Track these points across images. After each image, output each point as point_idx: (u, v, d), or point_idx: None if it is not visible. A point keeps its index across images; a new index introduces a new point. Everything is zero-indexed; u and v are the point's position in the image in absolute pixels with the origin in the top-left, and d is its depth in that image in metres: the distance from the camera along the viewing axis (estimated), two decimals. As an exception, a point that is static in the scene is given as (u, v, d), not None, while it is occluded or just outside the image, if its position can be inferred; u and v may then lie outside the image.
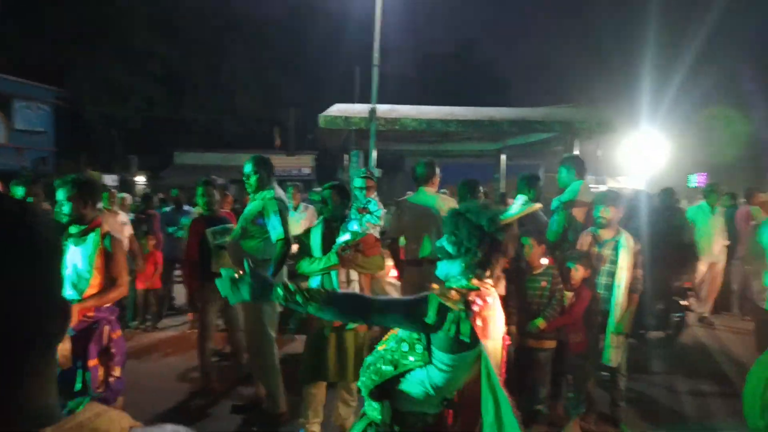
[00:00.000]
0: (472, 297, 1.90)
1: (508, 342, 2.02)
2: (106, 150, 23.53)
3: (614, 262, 3.90)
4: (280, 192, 4.21)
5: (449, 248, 2.02)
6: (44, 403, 0.68)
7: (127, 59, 24.10)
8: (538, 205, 2.17)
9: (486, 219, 2.00)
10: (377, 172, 13.90)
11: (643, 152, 19.23)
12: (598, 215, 3.99)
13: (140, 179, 22.92)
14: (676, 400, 4.68)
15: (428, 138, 16.35)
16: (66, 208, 3.29)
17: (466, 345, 1.85)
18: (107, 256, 3.34)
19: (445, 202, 4.50)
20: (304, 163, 25.06)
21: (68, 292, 3.34)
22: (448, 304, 1.86)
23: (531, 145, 16.82)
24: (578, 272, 3.89)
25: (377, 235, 3.90)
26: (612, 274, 3.90)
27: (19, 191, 4.73)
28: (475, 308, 1.88)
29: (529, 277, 3.88)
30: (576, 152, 13.47)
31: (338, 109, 12.94)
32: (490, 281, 2.01)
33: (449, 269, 2.04)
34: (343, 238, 3.67)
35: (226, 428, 4.10)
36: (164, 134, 25.65)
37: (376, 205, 4.15)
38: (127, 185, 18.18)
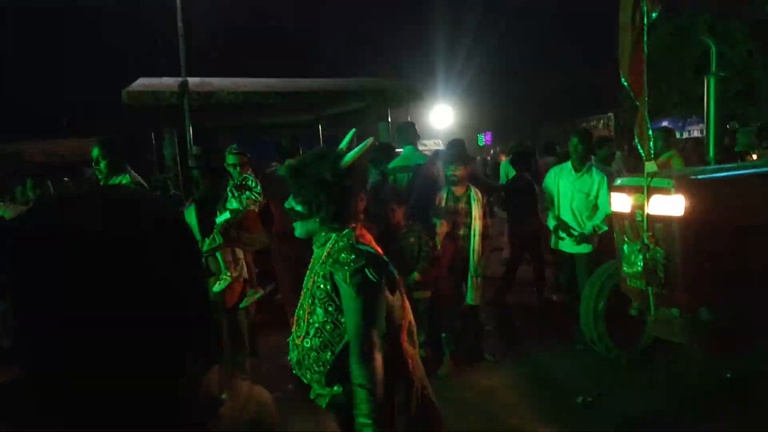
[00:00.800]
0: (357, 236, 1.96)
1: None
2: None
3: (469, 214, 4.42)
4: (136, 176, 3.94)
5: (300, 209, 1.96)
6: (208, 394, 0.69)
7: None
8: (370, 140, 2.15)
9: (327, 170, 1.93)
10: (195, 150, 13.27)
11: (439, 117, 21.51)
12: (450, 174, 4.46)
13: None
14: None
15: (243, 112, 15.96)
16: None
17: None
18: None
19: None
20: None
21: None
22: (349, 266, 1.86)
23: (346, 114, 17.44)
24: (442, 227, 4.33)
25: (257, 210, 3.90)
26: (468, 226, 4.42)
27: None
28: (367, 245, 1.97)
29: (398, 236, 4.20)
30: (389, 119, 14.37)
31: (144, 84, 11.96)
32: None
33: (307, 228, 2.00)
34: (224, 217, 3.63)
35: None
36: None
37: (254, 182, 4.09)
38: None
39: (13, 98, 23.05)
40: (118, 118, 17.31)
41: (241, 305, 3.54)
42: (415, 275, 4.17)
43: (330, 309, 1.92)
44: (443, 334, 4.49)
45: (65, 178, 11.80)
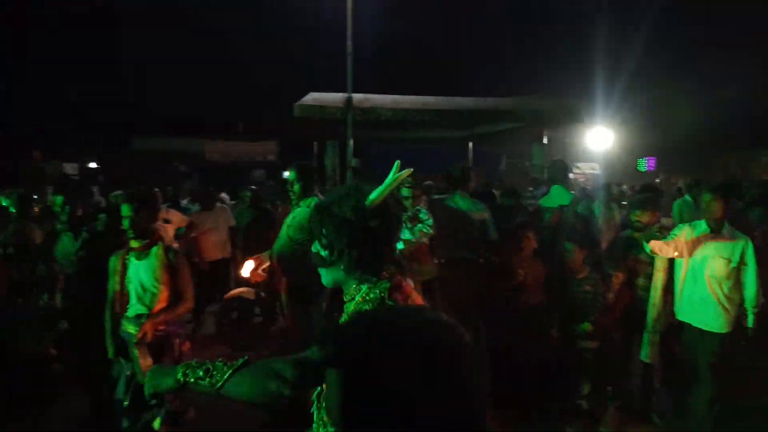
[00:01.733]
0: (393, 287, 1.68)
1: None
2: (59, 136, 22.30)
3: (651, 264, 4.14)
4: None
5: (323, 253, 1.76)
6: None
7: (74, 34, 22.85)
8: (406, 172, 1.80)
9: (349, 208, 1.70)
10: (354, 162, 13.92)
11: (597, 140, 20.30)
12: (635, 219, 4.21)
13: (93, 165, 21.99)
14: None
15: (398, 125, 16.48)
16: (134, 222, 3.26)
17: None
18: (171, 271, 3.34)
19: (475, 206, 4.65)
20: (267, 150, 24.67)
21: (134, 308, 3.32)
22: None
23: (498, 133, 17.23)
24: (617, 278, 4.12)
25: (428, 243, 4.01)
26: (649, 276, 4.15)
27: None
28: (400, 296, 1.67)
29: (573, 280, 4.08)
30: (545, 141, 13.93)
31: (313, 99, 12.85)
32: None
33: (333, 276, 1.76)
34: (398, 246, 3.76)
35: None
36: (122, 118, 24.53)
37: (426, 214, 4.24)
38: (87, 174, 17.41)
39: (197, 101, 26.01)
40: (285, 126, 18.83)
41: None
42: (587, 326, 4.01)
43: None
44: (609, 388, 4.27)
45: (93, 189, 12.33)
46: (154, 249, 3.30)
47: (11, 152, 17.93)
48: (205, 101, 26.11)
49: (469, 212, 4.57)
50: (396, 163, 1.90)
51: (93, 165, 21.92)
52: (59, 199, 4.41)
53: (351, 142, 12.63)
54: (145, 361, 3.10)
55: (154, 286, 3.26)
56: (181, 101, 25.81)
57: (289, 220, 4.24)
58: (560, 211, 4.93)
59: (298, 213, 4.17)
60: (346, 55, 12.91)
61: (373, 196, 1.73)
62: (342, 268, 1.72)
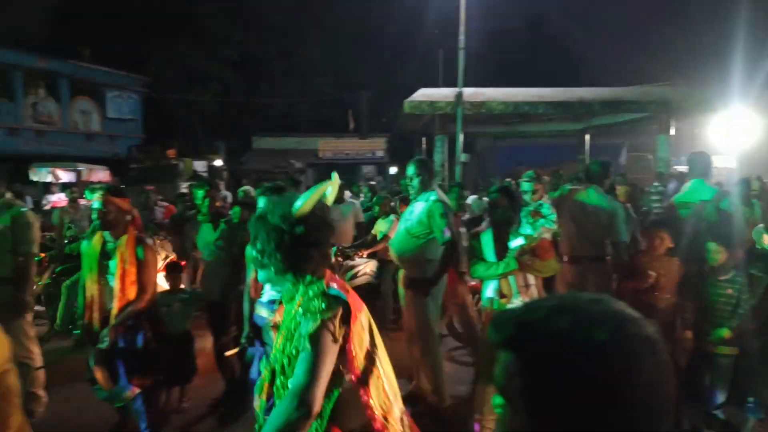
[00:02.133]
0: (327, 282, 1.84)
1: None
2: (190, 136, 24.41)
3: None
4: (442, 194, 4.27)
5: (256, 255, 1.89)
6: None
7: (204, 46, 24.78)
8: (331, 182, 1.96)
9: (278, 216, 1.84)
10: (464, 157, 13.79)
11: (734, 130, 18.32)
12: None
13: (218, 163, 23.69)
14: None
15: (506, 119, 16.10)
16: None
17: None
18: None
19: (607, 202, 4.45)
20: (377, 146, 25.20)
21: (269, 294, 3.52)
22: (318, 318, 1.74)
23: (619, 124, 16.26)
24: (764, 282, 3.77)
25: (550, 238, 3.90)
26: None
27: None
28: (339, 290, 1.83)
29: (712, 282, 3.79)
30: (672, 132, 12.91)
31: (423, 94, 12.92)
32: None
33: (266, 276, 1.92)
34: (517, 242, 3.70)
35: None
36: (242, 119, 26.35)
37: (548, 209, 4.15)
38: (214, 171, 18.83)
39: (312, 99, 27.10)
40: (395, 122, 19.17)
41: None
42: (725, 331, 3.71)
43: None
44: (750, 398, 3.91)
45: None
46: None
47: (153, 152, 19.89)
48: (317, 100, 27.20)
49: (599, 208, 4.39)
50: (333, 174, 2.07)
51: (218, 162, 23.67)
52: (200, 192, 4.79)
53: (461, 136, 12.59)
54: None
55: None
56: (295, 101, 27.09)
57: (407, 214, 4.32)
58: (701, 207, 4.58)
59: (416, 208, 4.24)
60: (458, 50, 12.86)
61: (297, 205, 1.85)
62: (273, 270, 1.85)
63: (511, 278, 3.67)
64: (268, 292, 3.54)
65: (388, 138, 24.79)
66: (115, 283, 3.42)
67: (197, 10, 24.67)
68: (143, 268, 3.46)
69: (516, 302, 3.60)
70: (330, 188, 2.00)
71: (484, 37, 25.08)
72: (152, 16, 24.08)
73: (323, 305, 1.78)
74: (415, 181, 4.23)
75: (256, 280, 3.57)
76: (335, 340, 1.76)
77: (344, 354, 1.81)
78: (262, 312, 3.52)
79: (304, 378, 1.71)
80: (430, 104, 13.02)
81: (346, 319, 1.80)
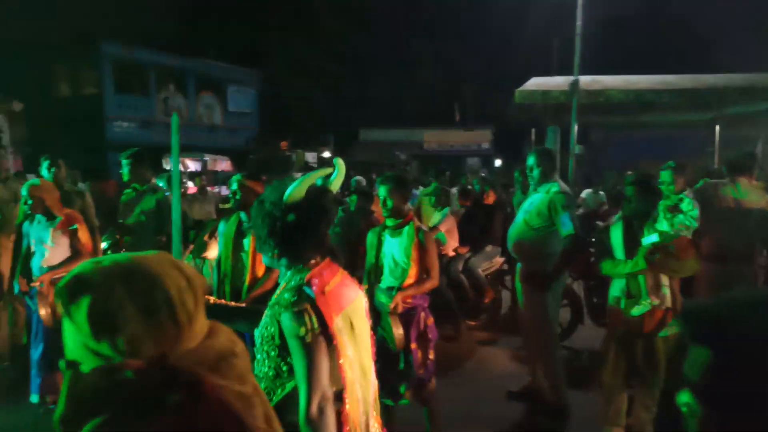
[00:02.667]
0: (312, 275, 1.78)
1: None
2: (301, 128, 25.49)
3: None
4: (564, 185, 4.10)
5: (258, 240, 1.90)
6: None
7: (317, 41, 25.71)
8: (323, 171, 1.93)
9: (271, 203, 1.82)
10: (578, 149, 13.18)
11: None
12: None
13: (327, 155, 24.54)
14: None
15: (625, 109, 15.13)
16: (389, 203, 3.52)
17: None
18: (421, 249, 3.52)
19: (759, 197, 4.05)
20: (482, 138, 24.83)
21: (387, 280, 3.59)
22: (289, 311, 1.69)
23: (753, 114, 14.75)
24: None
25: (690, 236, 3.62)
26: None
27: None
28: (313, 289, 1.74)
29: None
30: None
31: (535, 84, 12.48)
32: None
33: (267, 262, 1.92)
34: (650, 239, 3.45)
35: (503, 412, 4.19)
36: (350, 112, 27.08)
37: (690, 204, 3.85)
38: (323, 162, 19.55)
39: (416, 91, 27.21)
40: (501, 113, 18.75)
41: (660, 333, 3.36)
42: None
43: (272, 354, 1.77)
44: None
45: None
46: (406, 228, 3.55)
47: (268, 144, 21.03)
48: (423, 93, 27.25)
49: (750, 202, 4.00)
50: (336, 160, 2.03)
51: (327, 154, 24.50)
52: (318, 180, 5.00)
53: (575, 127, 12.06)
54: (397, 330, 3.38)
55: (405, 262, 3.52)
56: (402, 94, 27.33)
57: (526, 205, 4.21)
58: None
59: (536, 199, 4.11)
60: (575, 36, 12.32)
61: (288, 192, 1.82)
62: (269, 255, 1.86)
63: (640, 277, 3.45)
64: (387, 279, 3.61)
65: (494, 130, 24.32)
66: (248, 260, 3.66)
67: (312, 7, 25.61)
68: None
69: (645, 304, 3.39)
70: (335, 174, 2.00)
71: (603, 21, 23.72)
72: (271, 14, 25.34)
73: (294, 298, 1.74)
74: (536, 172, 4.10)
75: (375, 266, 3.66)
76: (317, 342, 1.71)
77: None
78: (381, 298, 3.59)
79: (304, 383, 1.70)
80: (542, 93, 12.57)
81: (320, 320, 1.74)
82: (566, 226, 3.85)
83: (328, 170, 2.02)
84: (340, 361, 1.77)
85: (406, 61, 27.70)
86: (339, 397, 1.79)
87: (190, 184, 13.22)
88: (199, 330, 0.84)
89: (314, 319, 1.72)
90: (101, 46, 19.54)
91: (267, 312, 1.84)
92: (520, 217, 4.21)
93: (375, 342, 3.54)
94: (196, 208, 7.72)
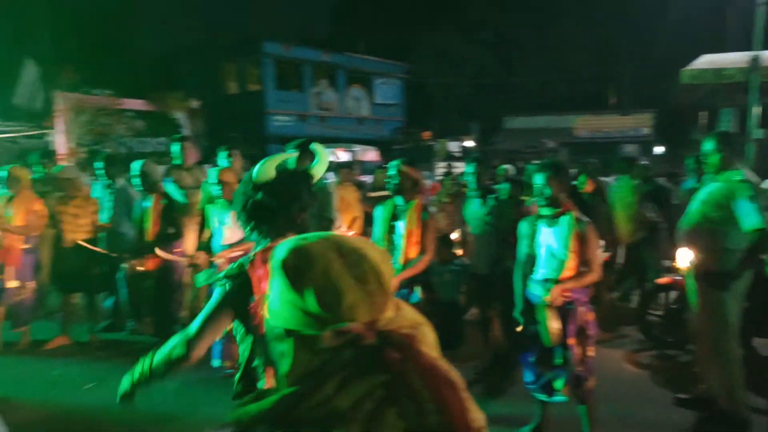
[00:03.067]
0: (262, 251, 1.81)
1: None
2: (444, 118, 25.60)
3: None
4: (750, 174, 3.64)
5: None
6: None
7: (461, 30, 25.53)
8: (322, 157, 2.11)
9: (244, 182, 1.97)
10: (761, 133, 11.66)
11: None
12: None
13: (469, 144, 24.29)
14: None
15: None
16: (547, 192, 3.39)
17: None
18: (581, 240, 3.36)
19: None
20: (641, 123, 22.91)
21: (542, 272, 3.47)
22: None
23: None
24: None
25: None
26: None
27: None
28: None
29: None
30: None
31: (707, 61, 11.19)
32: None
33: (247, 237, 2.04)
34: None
35: (669, 417, 3.88)
36: (494, 99, 26.57)
37: None
38: (466, 152, 19.42)
39: (568, 75, 25.82)
40: (666, 95, 17.13)
41: None
42: None
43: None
44: None
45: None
46: (565, 217, 3.41)
47: (413, 134, 21.44)
48: (572, 76, 25.80)
49: None
50: (313, 146, 2.36)
51: (470, 143, 24.28)
52: (470, 167, 4.96)
53: (755, 109, 10.65)
54: (554, 324, 3.27)
55: (563, 254, 3.38)
56: (549, 79, 26.13)
57: (702, 195, 3.82)
58: None
59: (715, 188, 3.71)
60: (754, 6, 10.86)
61: (255, 171, 1.93)
62: (245, 230, 1.98)
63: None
64: (541, 270, 3.50)
65: (655, 114, 22.29)
66: (401, 242, 3.87)
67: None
68: (426, 232, 3.85)
69: None
70: (316, 160, 2.12)
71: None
72: (416, 6, 25.66)
73: (233, 268, 1.85)
74: (715, 158, 3.70)
75: (529, 256, 3.57)
76: (228, 298, 1.81)
77: (249, 315, 1.78)
78: (535, 289, 3.49)
79: (194, 324, 1.83)
80: (715, 72, 11.26)
81: (246, 287, 1.78)
82: (751, 219, 3.43)
83: (292, 154, 2.10)
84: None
85: (552, 44, 26.39)
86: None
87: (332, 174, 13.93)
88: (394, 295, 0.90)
89: (234, 283, 1.82)
90: (264, 46, 21.24)
91: None
92: (695, 207, 3.83)
93: (529, 335, 3.48)
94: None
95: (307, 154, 4.84)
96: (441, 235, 5.15)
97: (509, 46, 26.64)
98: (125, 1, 26.56)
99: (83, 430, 3.86)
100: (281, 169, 2.00)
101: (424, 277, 3.97)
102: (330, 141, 18.67)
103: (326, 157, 2.22)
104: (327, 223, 4.72)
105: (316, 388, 0.73)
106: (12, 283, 5.09)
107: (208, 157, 7.89)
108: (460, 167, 13.65)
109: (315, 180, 2.08)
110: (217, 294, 1.85)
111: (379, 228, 4.09)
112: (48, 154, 7.62)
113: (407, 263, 3.88)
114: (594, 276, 3.41)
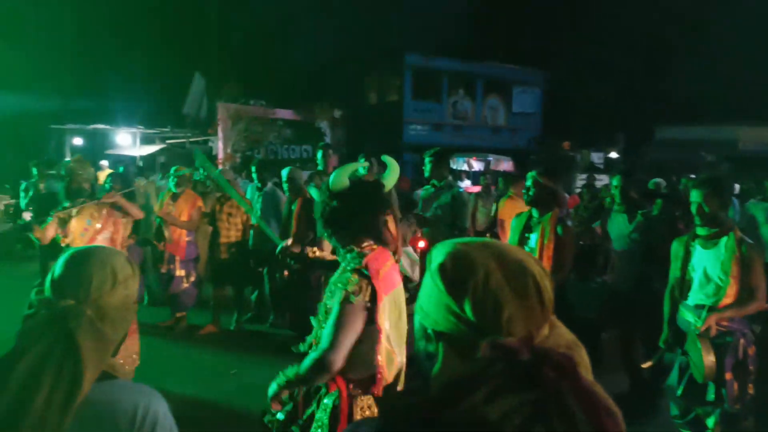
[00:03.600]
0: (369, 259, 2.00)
1: None
2: (587, 127, 24.25)
3: None
4: None
5: None
6: None
7: (608, 35, 24.07)
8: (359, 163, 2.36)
9: (322, 190, 2.15)
10: None
11: None
12: None
13: (614, 155, 22.72)
14: None
15: None
16: (705, 209, 3.09)
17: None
18: (744, 264, 3.01)
19: None
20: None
21: (696, 297, 3.16)
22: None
23: None
24: None
25: None
26: None
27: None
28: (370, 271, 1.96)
29: None
30: None
31: None
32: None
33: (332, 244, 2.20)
34: None
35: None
36: (643, 108, 24.65)
37: None
38: (610, 163, 18.23)
39: (727, 81, 23.26)
40: None
41: None
42: None
43: (324, 324, 1.99)
44: None
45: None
46: (725, 239, 3.07)
47: (551, 144, 20.61)
48: (736, 83, 23.13)
49: None
50: (384, 158, 2.40)
51: (615, 155, 22.74)
52: (615, 180, 4.69)
53: None
54: (708, 356, 2.95)
55: (720, 278, 3.05)
56: (707, 86, 23.70)
57: None
58: None
59: None
60: None
61: (330, 181, 2.11)
62: (325, 235, 2.14)
63: None
64: (695, 295, 3.19)
65: None
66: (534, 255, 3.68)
67: (605, 2, 24.14)
68: (560, 247, 3.60)
69: None
70: (388, 171, 2.32)
71: None
72: (560, 12, 24.76)
73: (354, 280, 1.94)
74: None
75: (682, 279, 3.26)
76: (359, 311, 1.91)
77: (372, 326, 1.95)
78: (687, 316, 3.19)
79: (327, 342, 1.89)
80: None
81: (373, 297, 1.94)
82: None
83: (360, 164, 2.31)
84: (381, 339, 1.97)
85: (712, 47, 23.85)
86: (365, 385, 2.00)
87: (467, 183, 13.77)
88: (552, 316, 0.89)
89: (368, 291, 1.94)
90: (404, 57, 21.79)
91: (329, 287, 2.06)
92: None
93: (677, 365, 3.17)
94: (480, 206, 8.03)
95: (441, 163, 4.90)
96: (580, 250, 4.89)
97: (659, 51, 24.57)
98: (282, 21, 28.82)
99: (226, 410, 4.21)
100: (354, 179, 2.14)
101: (560, 293, 3.78)
102: (464, 150, 18.59)
103: (397, 168, 2.36)
104: (459, 231, 4.70)
105: (465, 395, 0.73)
106: (179, 272, 5.72)
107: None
108: (602, 179, 12.87)
109: (387, 188, 2.25)
110: (345, 306, 1.92)
111: (510, 239, 3.96)
112: (210, 159, 8.46)
113: None
114: (758, 304, 3.03)
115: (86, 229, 4.43)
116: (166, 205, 5.78)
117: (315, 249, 4.96)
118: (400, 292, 2.15)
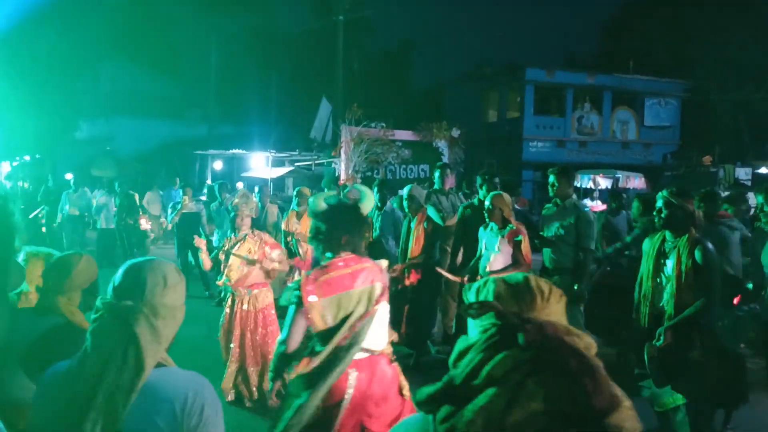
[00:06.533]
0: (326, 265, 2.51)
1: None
2: (732, 141, 22.01)
3: None
4: None
5: None
6: None
7: (760, 40, 21.64)
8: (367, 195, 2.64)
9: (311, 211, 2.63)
10: None
11: None
12: None
13: (765, 170, 20.30)
14: None
15: None
16: None
17: None
18: None
19: None
20: None
21: None
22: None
23: None
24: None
25: None
26: None
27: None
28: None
29: None
30: None
31: None
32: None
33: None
34: None
35: None
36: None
37: None
38: (758, 179, 16.31)
39: None
40: None
41: None
42: None
43: None
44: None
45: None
46: None
47: (689, 159, 18.95)
48: None
49: None
50: (356, 186, 2.77)
51: (764, 170, 20.36)
52: (760, 197, 4.22)
53: None
54: None
55: None
56: None
57: None
58: None
59: None
60: None
61: (310, 203, 2.65)
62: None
63: None
64: None
65: None
66: (669, 283, 3.37)
67: (756, 3, 21.81)
68: (701, 271, 3.28)
69: None
70: (362, 198, 2.62)
71: None
72: (702, 17, 22.81)
73: (295, 285, 2.48)
74: None
75: None
76: (300, 308, 2.41)
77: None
78: None
79: (284, 331, 2.47)
80: None
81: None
82: None
83: (368, 195, 2.63)
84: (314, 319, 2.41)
85: None
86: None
87: (588, 201, 13.02)
88: (554, 315, 1.06)
89: (299, 294, 2.41)
90: (526, 73, 21.33)
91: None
92: None
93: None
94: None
95: (564, 180, 4.67)
96: (725, 275, 4.44)
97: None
98: (404, 46, 29.59)
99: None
100: (329, 202, 2.54)
101: (704, 322, 3.42)
102: (590, 167, 17.67)
103: (371, 196, 2.67)
104: (583, 253, 4.47)
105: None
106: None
107: (464, 184, 8.21)
108: (751, 197, 11.56)
109: (365, 212, 2.60)
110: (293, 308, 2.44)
111: (644, 265, 3.65)
112: (335, 180, 8.89)
113: (683, 306, 3.33)
114: None
115: (242, 264, 4.32)
116: (293, 224, 6.13)
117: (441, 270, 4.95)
118: (351, 296, 2.46)
